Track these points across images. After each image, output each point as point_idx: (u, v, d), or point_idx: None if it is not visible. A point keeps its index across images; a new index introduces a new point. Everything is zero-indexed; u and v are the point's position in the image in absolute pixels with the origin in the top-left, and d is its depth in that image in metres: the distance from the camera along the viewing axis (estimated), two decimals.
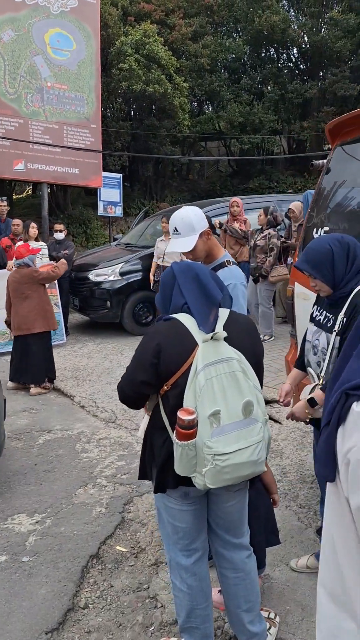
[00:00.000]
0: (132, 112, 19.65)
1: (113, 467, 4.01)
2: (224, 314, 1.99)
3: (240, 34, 21.49)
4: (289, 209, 7.71)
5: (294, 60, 22.11)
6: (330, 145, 3.46)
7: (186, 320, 1.94)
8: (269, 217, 7.28)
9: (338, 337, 2.27)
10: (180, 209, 2.55)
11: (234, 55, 20.82)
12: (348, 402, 0.90)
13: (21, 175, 13.19)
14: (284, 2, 20.62)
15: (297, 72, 21.94)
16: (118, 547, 3.07)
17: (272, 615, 2.43)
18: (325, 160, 3.53)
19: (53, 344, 6.32)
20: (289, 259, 7.45)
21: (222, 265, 2.63)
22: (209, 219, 2.77)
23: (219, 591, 2.46)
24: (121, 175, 16.12)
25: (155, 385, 1.95)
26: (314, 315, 2.52)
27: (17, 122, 12.69)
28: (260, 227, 7.36)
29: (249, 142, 19.80)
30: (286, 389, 2.59)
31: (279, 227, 7.41)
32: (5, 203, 8.60)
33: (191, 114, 19.51)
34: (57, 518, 3.35)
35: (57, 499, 3.58)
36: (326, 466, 0.92)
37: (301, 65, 21.99)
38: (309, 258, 2.21)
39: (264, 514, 2.43)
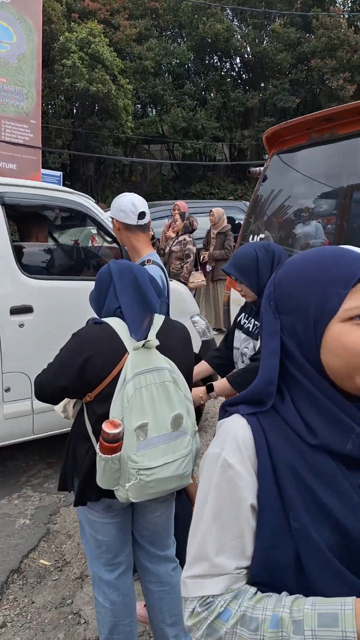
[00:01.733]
0: (74, 110, 19.34)
1: (40, 476, 3.84)
2: (158, 320, 1.91)
3: (185, 39, 21.67)
4: (210, 211, 7.71)
5: (236, 69, 22.53)
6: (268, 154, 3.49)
7: (117, 325, 1.84)
8: (185, 222, 7.18)
9: None
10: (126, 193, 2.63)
11: (178, 60, 20.96)
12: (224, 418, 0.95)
13: None
14: (228, 11, 20.96)
15: (239, 81, 22.38)
16: (42, 561, 2.93)
17: None
18: (262, 168, 3.55)
19: None
20: (207, 266, 7.47)
21: (142, 264, 2.59)
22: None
23: (145, 605, 2.38)
24: (61, 173, 15.79)
25: (78, 391, 1.84)
26: (242, 323, 2.50)
27: None
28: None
29: (191, 147, 19.98)
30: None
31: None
32: None
33: (134, 115, 19.45)
34: None
35: None
36: None
37: (244, 75, 22.45)
38: (235, 263, 2.22)
39: (189, 525, 2.37)
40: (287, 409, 0.87)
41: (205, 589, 0.85)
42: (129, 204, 2.55)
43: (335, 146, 2.95)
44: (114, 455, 1.69)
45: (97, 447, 1.75)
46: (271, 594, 0.83)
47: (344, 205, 2.99)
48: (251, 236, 3.46)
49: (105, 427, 1.66)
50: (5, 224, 3.33)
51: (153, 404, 1.75)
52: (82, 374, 1.78)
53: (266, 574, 0.83)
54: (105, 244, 4.47)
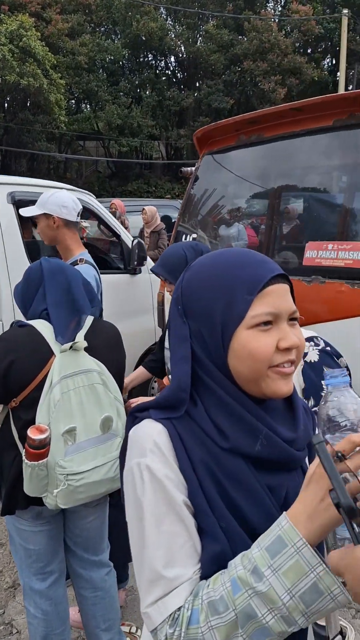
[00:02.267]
0: (5, 105, 18.76)
1: None
2: (86, 322, 1.88)
3: (119, 36, 21.51)
4: (142, 210, 7.70)
5: (171, 68, 22.62)
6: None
7: (43, 328, 1.78)
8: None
9: None
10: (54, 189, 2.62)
11: (112, 57, 20.78)
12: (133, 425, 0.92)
13: None
14: (162, 10, 21.00)
15: (174, 80, 22.48)
16: None
17: (133, 630, 2.37)
18: (193, 168, 3.58)
19: None
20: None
21: (75, 263, 2.56)
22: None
23: (79, 610, 2.35)
24: None
25: (2, 397, 1.78)
26: None
27: None
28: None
29: (127, 144, 19.88)
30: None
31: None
32: None
33: (68, 111, 19.11)
34: None
35: None
36: None
37: (178, 74, 22.57)
38: (164, 263, 2.22)
39: (124, 530, 2.35)
40: (200, 414, 0.86)
41: (169, 607, 0.78)
42: (71, 201, 2.53)
43: (263, 148, 3.01)
44: (40, 461, 1.65)
45: (23, 454, 1.70)
46: (223, 570, 0.79)
47: (273, 205, 3.07)
48: (183, 235, 3.48)
49: (31, 433, 1.62)
50: (18, 223, 3.27)
51: (82, 407, 1.72)
52: (6, 379, 1.72)
53: (215, 568, 0.81)
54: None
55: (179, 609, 0.77)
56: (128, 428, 0.93)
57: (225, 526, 0.81)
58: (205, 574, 0.80)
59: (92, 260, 2.63)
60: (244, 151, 3.15)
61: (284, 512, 0.74)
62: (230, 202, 3.40)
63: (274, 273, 0.84)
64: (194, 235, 3.40)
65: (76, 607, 2.29)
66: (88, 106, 21.84)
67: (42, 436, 1.62)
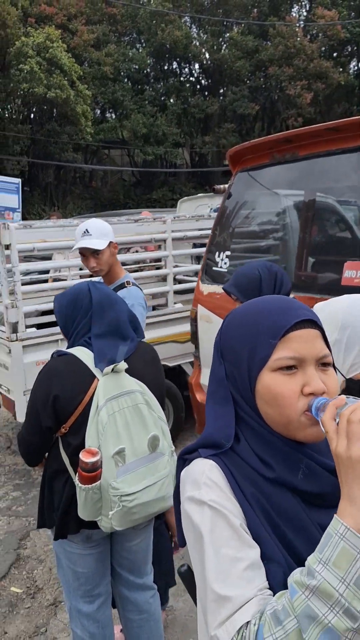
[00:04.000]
0: (32, 116, 19.09)
1: (8, 499, 3.77)
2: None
3: (144, 45, 21.69)
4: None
5: (195, 75, 22.71)
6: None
7: (83, 355, 1.82)
8: None
9: None
10: (91, 219, 2.62)
11: (137, 66, 20.96)
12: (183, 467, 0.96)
13: None
14: (187, 18, 21.11)
15: (198, 87, 22.55)
16: (13, 589, 2.88)
17: None
18: (226, 185, 3.60)
19: None
20: None
21: (122, 286, 2.61)
22: None
23: (121, 630, 2.37)
24: (20, 180, 15.54)
25: (55, 427, 1.82)
26: None
27: None
28: None
29: (152, 153, 20.00)
30: None
31: None
32: None
33: (94, 121, 19.33)
34: None
35: None
36: None
37: (203, 81, 22.63)
38: (237, 282, 2.22)
39: (164, 557, 2.36)
40: (244, 449, 0.90)
41: (236, 624, 0.77)
42: (110, 227, 2.60)
43: (297, 166, 3.01)
44: (94, 484, 1.68)
45: (75, 479, 1.73)
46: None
47: (306, 219, 3.06)
48: (217, 251, 3.50)
49: (83, 456, 1.65)
50: None
51: (128, 428, 1.75)
52: (54, 409, 1.76)
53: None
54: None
55: (247, 624, 0.76)
56: (179, 470, 0.97)
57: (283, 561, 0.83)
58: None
59: (135, 282, 2.68)
60: (277, 168, 3.16)
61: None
62: (263, 217, 3.41)
63: (299, 318, 0.87)
64: (228, 253, 3.41)
65: (119, 625, 2.31)
66: (113, 115, 22.06)
67: (94, 459, 1.65)
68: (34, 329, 3.91)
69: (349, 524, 0.71)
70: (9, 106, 18.40)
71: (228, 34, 20.79)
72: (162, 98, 21.74)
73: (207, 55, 21.23)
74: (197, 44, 21.15)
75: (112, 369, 1.78)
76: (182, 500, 0.92)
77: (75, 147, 19.32)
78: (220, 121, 20.73)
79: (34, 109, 18.91)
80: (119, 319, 1.86)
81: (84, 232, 2.53)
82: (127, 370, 1.82)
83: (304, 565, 0.78)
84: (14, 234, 3.58)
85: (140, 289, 2.71)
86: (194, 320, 3.68)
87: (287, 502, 0.86)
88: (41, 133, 18.01)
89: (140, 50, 21.48)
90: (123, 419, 1.75)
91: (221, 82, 21.55)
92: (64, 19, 18.99)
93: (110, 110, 22.10)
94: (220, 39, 21.29)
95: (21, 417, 3.60)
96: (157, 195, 21.01)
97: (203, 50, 21.08)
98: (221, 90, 21.67)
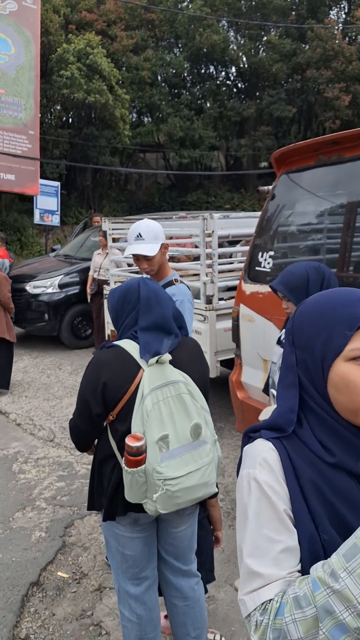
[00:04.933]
0: (70, 121, 19.45)
1: (52, 489, 3.90)
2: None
3: (181, 49, 21.85)
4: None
5: (232, 79, 22.72)
6: (274, 170, 3.58)
7: (129, 346, 1.92)
8: None
9: None
10: (144, 220, 2.65)
11: (174, 70, 21.12)
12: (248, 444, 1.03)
13: None
14: (224, 22, 21.19)
15: (235, 90, 22.56)
16: (59, 573, 2.99)
17: (217, 637, 2.44)
18: (270, 187, 3.65)
19: None
20: None
21: (170, 283, 2.69)
22: None
23: (165, 616, 2.45)
24: (59, 183, 15.87)
25: (104, 414, 1.92)
26: (282, 339, 2.59)
27: None
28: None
29: (188, 156, 20.11)
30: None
31: None
32: None
33: (131, 125, 19.58)
34: None
35: None
36: None
37: (240, 85, 22.64)
38: (285, 280, 2.29)
39: (206, 549, 2.42)
40: (306, 434, 0.96)
41: (262, 597, 0.89)
42: (161, 227, 2.65)
43: (342, 167, 3.04)
44: (139, 467, 1.77)
45: (122, 463, 1.82)
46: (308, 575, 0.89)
47: (349, 221, 3.09)
48: (260, 252, 3.55)
49: (129, 441, 1.74)
50: None
51: (172, 416, 1.83)
52: (103, 397, 1.87)
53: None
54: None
55: (270, 601, 0.87)
56: (243, 445, 1.05)
57: (328, 539, 0.90)
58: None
59: (183, 280, 2.77)
60: (323, 170, 3.20)
61: None
62: (307, 219, 3.44)
63: None
64: (271, 253, 3.46)
65: (163, 611, 2.39)
66: (150, 119, 22.29)
67: (139, 443, 1.74)
68: (223, 301, 4.83)
69: None
70: (50, 112, 18.82)
71: (266, 38, 20.77)
72: (199, 102, 21.84)
73: (244, 59, 21.24)
74: (235, 47, 21.19)
75: (157, 361, 1.86)
76: (240, 472, 1.00)
77: (112, 151, 19.59)
78: (256, 124, 20.70)
79: (73, 114, 19.28)
80: (164, 315, 1.95)
81: (137, 236, 2.57)
82: (172, 362, 1.91)
83: None
84: (216, 223, 4.59)
85: (188, 287, 2.79)
86: (235, 319, 3.74)
87: (344, 483, 0.92)
88: (80, 137, 18.33)
89: (177, 55, 21.65)
90: (167, 407, 1.83)
91: (258, 85, 21.52)
92: (103, 25, 19.31)
93: (147, 114, 22.33)
94: (258, 43, 21.28)
95: (213, 374, 4.65)
96: (192, 198, 21.10)
97: (240, 53, 21.10)
98: (258, 94, 21.63)
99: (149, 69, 19.71)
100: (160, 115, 20.46)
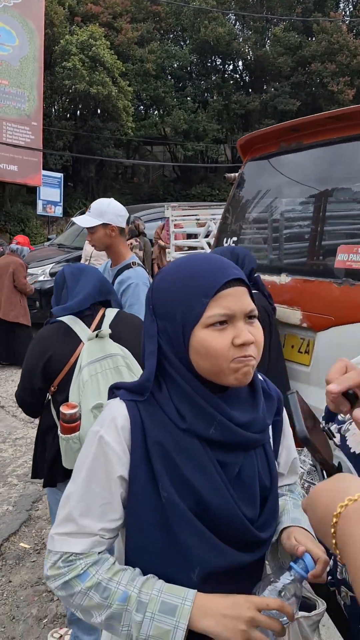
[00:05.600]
0: (75, 112, 19.54)
1: (26, 466, 4.02)
2: (111, 313, 2.09)
3: (187, 42, 21.83)
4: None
5: (238, 72, 22.67)
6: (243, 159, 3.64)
7: (70, 321, 2.02)
8: (130, 226, 7.17)
9: None
10: (105, 198, 2.72)
11: (179, 63, 21.12)
12: None
13: None
14: (231, 15, 21.13)
15: (241, 83, 22.51)
16: (21, 544, 3.10)
17: None
18: (237, 174, 3.71)
19: None
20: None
21: (128, 266, 2.75)
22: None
23: None
24: (62, 175, 15.98)
25: (46, 387, 2.02)
26: None
27: None
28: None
29: (192, 149, 20.13)
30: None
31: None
32: None
33: (136, 117, 19.62)
34: None
35: None
36: None
37: (245, 78, 22.58)
38: None
39: None
40: (164, 399, 1.01)
41: (70, 546, 0.96)
42: (123, 209, 2.69)
43: (301, 155, 3.10)
44: (73, 434, 1.86)
45: (59, 430, 1.92)
46: (126, 567, 0.97)
47: (317, 208, 3.15)
48: (225, 238, 3.62)
49: (63, 408, 1.84)
50: None
51: (108, 386, 1.92)
52: (46, 370, 1.96)
53: (138, 534, 0.98)
54: None
55: (76, 555, 0.96)
56: (108, 398, 1.09)
57: (167, 496, 0.95)
58: (129, 536, 0.99)
59: (142, 263, 2.84)
60: (285, 157, 3.26)
61: (196, 593, 0.91)
62: (272, 205, 3.51)
63: (228, 278, 0.94)
64: (235, 238, 3.53)
65: None
66: (155, 112, 22.31)
67: (73, 411, 1.83)
68: None
69: (191, 622, 0.90)
70: (55, 103, 18.92)
71: (271, 31, 20.70)
72: (204, 94, 21.85)
73: (249, 52, 21.20)
74: (240, 40, 21.14)
75: (97, 335, 1.95)
76: (90, 429, 1.05)
77: (116, 144, 19.66)
78: (261, 117, 20.66)
79: (77, 106, 19.38)
80: (88, 279, 2.09)
81: (88, 210, 2.68)
82: (112, 337, 1.99)
83: (194, 496, 0.95)
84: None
85: (146, 269, 2.86)
86: None
87: (191, 444, 0.97)
88: (84, 129, 18.43)
89: (183, 47, 21.65)
90: (105, 378, 1.91)
91: (263, 78, 21.48)
92: (109, 18, 19.35)
93: (153, 107, 22.36)
94: (264, 36, 21.22)
95: None
96: (196, 191, 21.14)
97: (246, 47, 21.06)
98: (263, 87, 21.59)
99: (153, 62, 19.73)
100: (166, 108, 20.49)
